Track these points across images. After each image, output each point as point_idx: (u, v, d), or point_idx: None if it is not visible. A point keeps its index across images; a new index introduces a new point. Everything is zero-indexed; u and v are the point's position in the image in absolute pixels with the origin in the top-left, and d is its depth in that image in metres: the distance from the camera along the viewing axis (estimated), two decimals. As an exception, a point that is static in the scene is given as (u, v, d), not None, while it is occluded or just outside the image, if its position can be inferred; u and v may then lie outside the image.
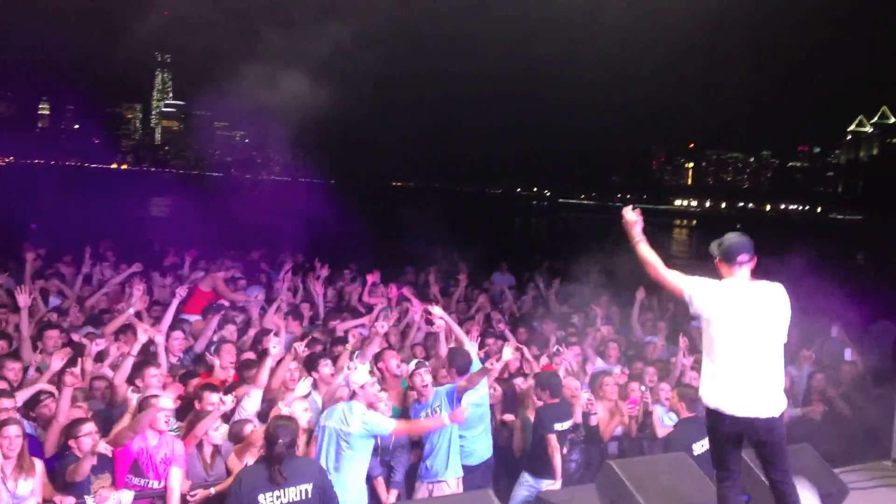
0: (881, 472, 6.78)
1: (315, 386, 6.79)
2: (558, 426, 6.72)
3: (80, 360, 6.01)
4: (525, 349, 8.37)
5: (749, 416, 4.52)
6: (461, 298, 12.12)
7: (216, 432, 5.73)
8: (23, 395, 5.94)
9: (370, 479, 6.40)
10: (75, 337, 7.42)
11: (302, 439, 5.69)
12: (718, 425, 4.63)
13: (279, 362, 6.64)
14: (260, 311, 9.45)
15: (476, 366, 6.76)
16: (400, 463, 6.57)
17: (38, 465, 5.17)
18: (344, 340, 8.13)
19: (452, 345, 7.75)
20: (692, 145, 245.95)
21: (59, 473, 5.28)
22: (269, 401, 6.47)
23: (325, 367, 6.97)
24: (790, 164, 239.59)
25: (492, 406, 7.26)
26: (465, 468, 6.65)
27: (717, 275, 4.79)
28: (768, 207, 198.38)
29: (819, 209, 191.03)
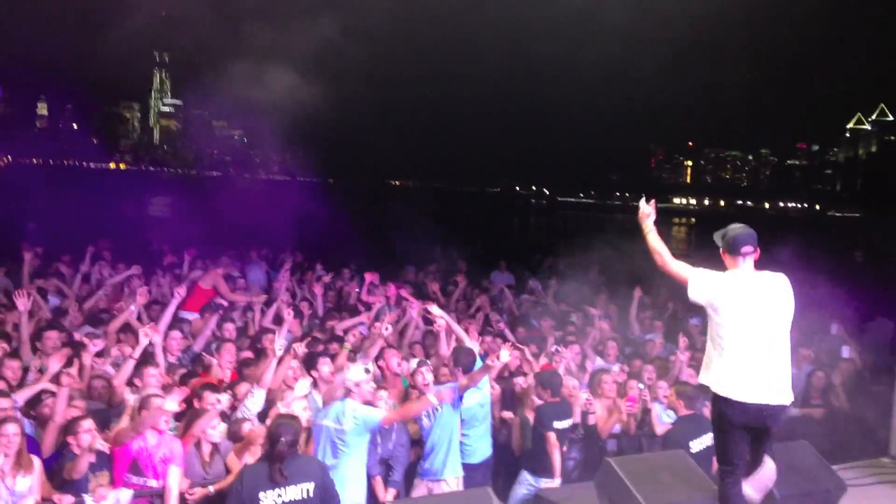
0: (879, 469, 6.79)
1: (315, 385, 6.80)
2: (558, 424, 6.73)
3: (75, 360, 6.01)
4: (526, 349, 8.38)
5: (759, 402, 4.57)
6: (460, 297, 12.14)
7: (214, 431, 5.73)
8: (24, 395, 5.94)
9: (368, 478, 6.41)
10: (77, 336, 7.42)
11: (301, 438, 5.69)
12: (727, 414, 4.65)
13: (280, 362, 6.65)
14: (260, 311, 9.47)
15: (478, 364, 6.77)
16: (399, 462, 6.57)
17: (37, 463, 5.17)
18: (342, 339, 8.13)
19: (453, 344, 7.77)
20: (691, 144, 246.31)
21: (58, 472, 5.28)
22: (268, 400, 6.48)
23: (325, 365, 6.98)
24: (789, 162, 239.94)
25: (490, 404, 7.26)
26: (466, 467, 6.66)
27: (718, 268, 4.82)
28: (767, 205, 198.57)
29: (817, 207, 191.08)
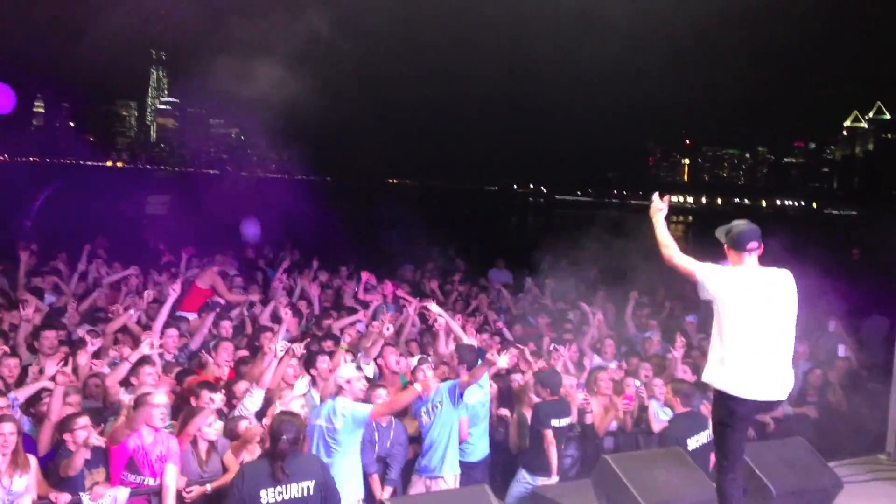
0: (875, 466, 6.81)
1: (314, 383, 6.80)
2: (555, 422, 6.73)
3: (70, 358, 6.00)
4: (525, 349, 8.39)
5: (769, 399, 4.65)
6: (457, 297, 12.15)
7: (210, 428, 5.72)
8: (25, 392, 5.94)
9: (365, 476, 6.41)
10: (80, 332, 7.41)
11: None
12: (738, 410, 4.67)
13: (279, 361, 6.65)
14: (258, 309, 9.47)
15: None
16: (396, 460, 6.56)
17: (33, 461, 5.17)
18: (338, 338, 8.12)
19: (451, 342, 7.79)
20: (688, 142, 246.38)
21: (54, 469, 5.28)
22: (266, 399, 6.48)
23: (324, 363, 6.98)
24: (786, 160, 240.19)
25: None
26: (465, 465, 6.67)
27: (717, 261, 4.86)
28: (764, 203, 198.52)
29: (814, 205, 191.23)
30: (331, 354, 7.32)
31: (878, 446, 7.18)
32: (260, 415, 6.21)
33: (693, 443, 6.62)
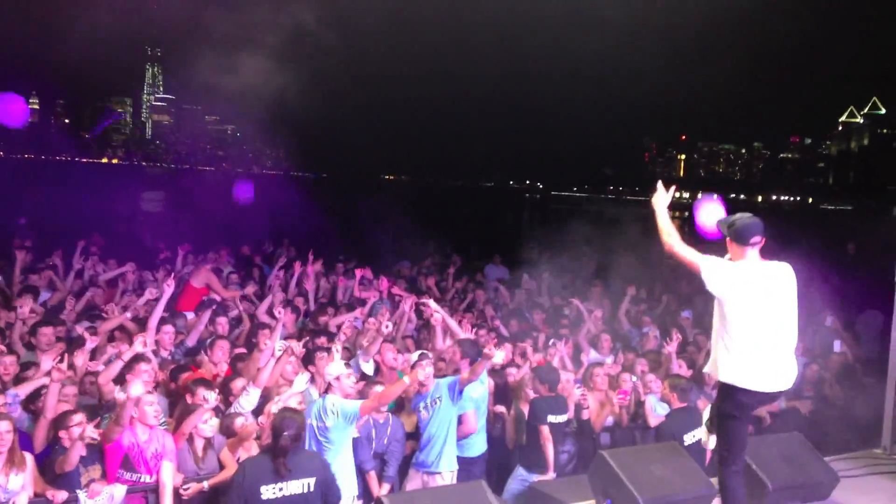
0: (871, 461, 6.81)
1: (312, 380, 6.79)
2: (552, 418, 6.73)
3: (66, 355, 5.98)
4: (527, 345, 8.39)
5: (776, 389, 4.70)
6: (456, 293, 12.15)
7: (206, 425, 5.71)
8: (26, 389, 5.92)
9: (362, 473, 6.41)
10: (78, 329, 7.39)
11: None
12: (745, 402, 4.72)
13: (278, 360, 6.63)
14: (249, 304, 9.45)
15: None
16: (393, 457, 6.56)
17: (29, 459, 5.16)
18: (334, 335, 8.09)
19: (448, 339, 7.79)
20: (684, 137, 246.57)
21: (49, 466, 5.27)
22: (263, 396, 6.47)
23: (322, 360, 6.96)
24: (781, 155, 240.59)
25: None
26: (463, 460, 6.66)
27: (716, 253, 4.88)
28: (760, 199, 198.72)
29: (810, 200, 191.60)
30: (328, 351, 7.30)
31: (873, 440, 7.19)
32: (257, 412, 6.20)
33: (690, 438, 6.63)
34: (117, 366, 6.29)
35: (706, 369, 5.01)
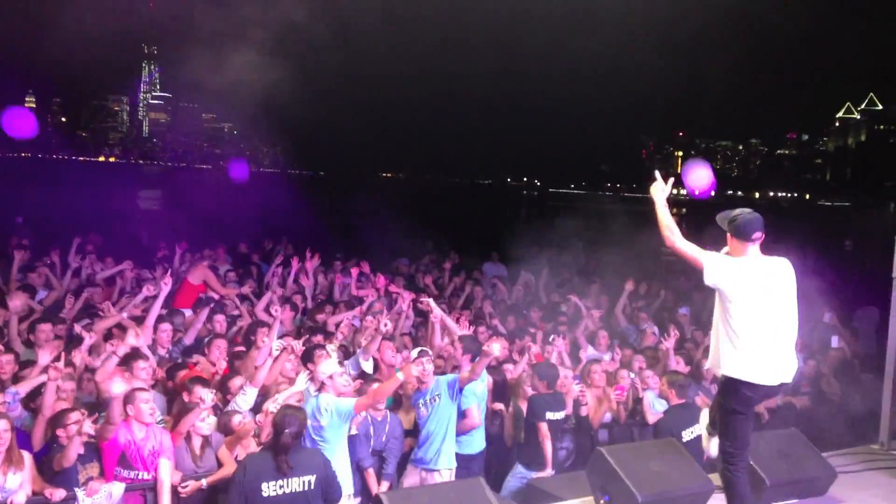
0: (869, 456, 6.82)
1: (312, 378, 6.77)
2: (550, 415, 6.73)
3: (63, 354, 5.98)
4: (529, 341, 8.38)
5: (780, 382, 4.74)
6: (454, 289, 12.14)
7: (203, 423, 5.70)
8: (26, 387, 5.91)
9: (361, 470, 6.41)
10: (76, 328, 7.38)
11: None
12: (751, 397, 4.74)
13: (277, 359, 6.62)
14: (250, 306, 9.44)
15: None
16: (392, 454, 6.55)
17: (27, 458, 5.15)
18: (331, 334, 8.09)
19: (445, 337, 7.79)
20: (681, 134, 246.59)
21: (47, 463, 5.26)
22: (262, 394, 6.47)
23: (321, 358, 6.95)
24: (779, 151, 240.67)
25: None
26: (462, 457, 6.66)
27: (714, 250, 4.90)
28: (757, 195, 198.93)
29: (807, 196, 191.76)
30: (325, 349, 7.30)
31: (871, 436, 7.21)
32: (255, 410, 6.19)
33: (688, 434, 6.64)
34: (113, 362, 6.28)
35: (708, 364, 5.02)
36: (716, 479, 5.75)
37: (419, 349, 6.74)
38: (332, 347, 7.15)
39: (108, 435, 5.29)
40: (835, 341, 9.86)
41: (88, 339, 6.66)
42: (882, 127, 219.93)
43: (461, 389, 6.50)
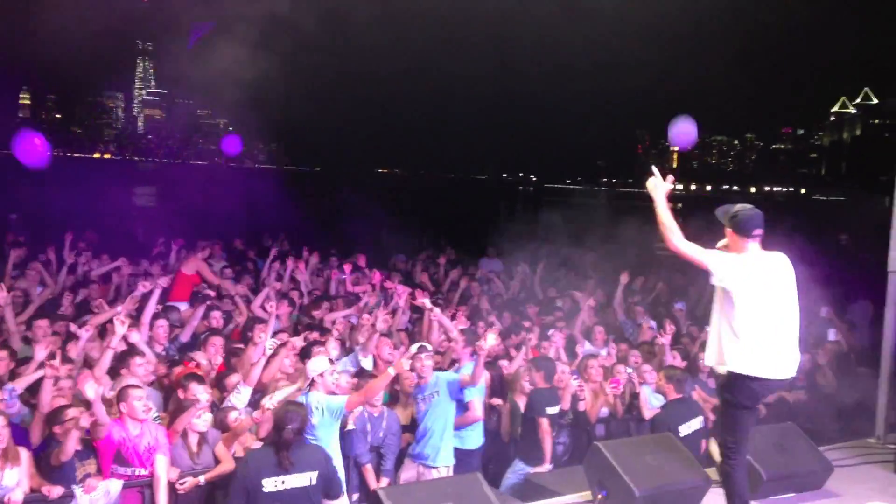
0: (865, 450, 6.85)
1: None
2: (550, 410, 6.74)
3: (58, 350, 5.97)
4: (524, 334, 8.38)
5: (785, 377, 4.80)
6: (450, 285, 12.14)
7: (199, 420, 5.68)
8: (23, 384, 5.90)
9: (359, 467, 6.41)
10: (72, 327, 7.36)
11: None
12: (757, 390, 4.78)
13: (274, 356, 6.61)
14: (246, 301, 9.43)
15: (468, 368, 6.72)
16: (390, 450, 6.56)
17: (24, 454, 5.14)
18: (328, 330, 8.08)
19: (441, 333, 7.79)
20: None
21: (45, 459, 5.25)
22: (260, 390, 6.46)
23: (319, 354, 6.94)
24: (774, 146, 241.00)
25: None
26: (461, 452, 6.67)
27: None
28: (753, 189, 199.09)
29: (803, 190, 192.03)
30: (323, 345, 7.28)
31: (867, 430, 7.23)
32: (254, 406, 6.17)
33: (685, 429, 6.66)
34: (108, 356, 6.27)
35: (707, 362, 5.02)
36: (713, 473, 5.78)
37: (418, 345, 6.73)
38: (332, 345, 7.15)
39: (101, 434, 5.28)
40: (831, 334, 9.88)
41: (85, 336, 6.65)
42: (877, 121, 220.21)
43: (461, 389, 6.50)
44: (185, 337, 7.92)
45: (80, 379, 5.50)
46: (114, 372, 6.31)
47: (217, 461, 5.69)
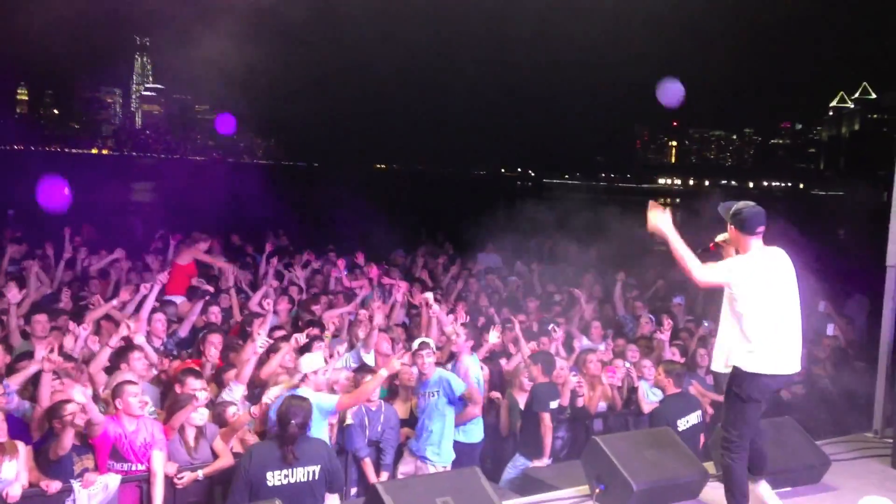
0: (863, 444, 6.86)
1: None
2: (551, 405, 6.75)
3: (55, 345, 5.96)
4: (518, 330, 8.38)
5: (793, 371, 4.84)
6: (452, 280, 12.14)
7: (196, 414, 5.67)
8: (17, 379, 5.88)
9: (358, 461, 6.42)
10: (70, 326, 7.35)
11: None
12: (768, 385, 4.80)
13: (276, 351, 6.59)
14: (242, 297, 9.42)
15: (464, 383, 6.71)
16: (389, 444, 6.56)
17: (22, 447, 5.14)
18: (323, 325, 8.06)
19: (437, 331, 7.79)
20: (675, 124, 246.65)
21: (43, 454, 5.25)
22: (259, 386, 6.45)
23: (319, 351, 6.94)
24: (772, 141, 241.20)
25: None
26: (463, 446, 6.68)
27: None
28: (751, 184, 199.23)
29: (801, 185, 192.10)
30: (321, 340, 7.28)
31: (864, 424, 7.24)
32: (254, 400, 6.16)
33: (683, 423, 6.65)
34: (105, 353, 6.27)
35: (715, 368, 5.03)
36: (711, 467, 5.79)
37: (420, 341, 6.70)
38: (337, 342, 7.14)
39: (96, 432, 5.28)
40: (830, 329, 9.89)
41: (83, 332, 6.64)
42: (875, 116, 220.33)
43: (461, 399, 6.52)
44: (183, 332, 7.91)
45: (66, 386, 5.51)
46: (113, 367, 6.31)
47: (215, 456, 5.69)
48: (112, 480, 5.18)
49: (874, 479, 6.11)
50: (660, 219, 4.68)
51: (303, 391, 5.79)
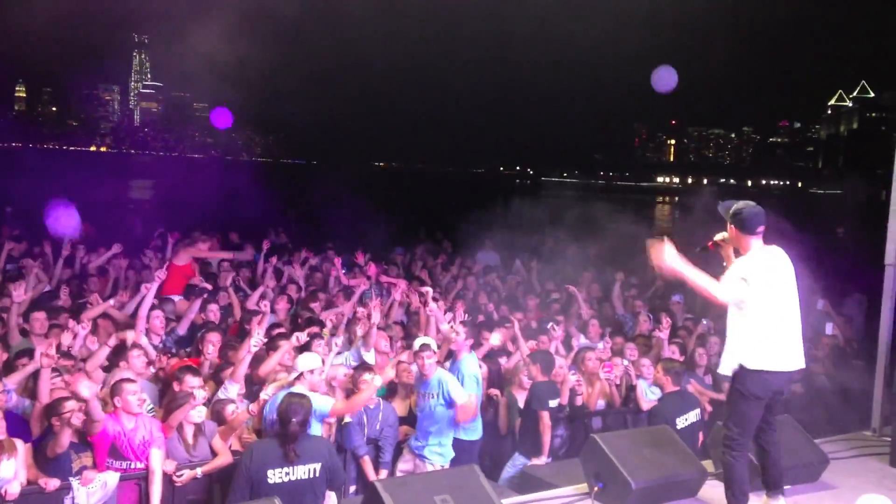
0: (861, 442, 6.86)
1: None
2: (551, 403, 6.75)
3: (54, 342, 5.95)
4: (516, 328, 8.39)
5: (797, 368, 4.88)
6: (452, 279, 12.14)
7: (194, 412, 5.66)
8: (15, 378, 5.88)
9: (356, 459, 6.42)
10: (71, 324, 7.34)
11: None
12: (769, 383, 4.81)
13: (276, 350, 6.59)
14: (241, 295, 9.42)
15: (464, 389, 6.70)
16: (388, 442, 6.55)
17: (20, 445, 5.13)
18: (321, 323, 8.06)
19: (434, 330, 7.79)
20: (674, 122, 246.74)
21: (42, 451, 5.24)
22: (258, 384, 6.45)
23: (319, 348, 6.94)
24: (771, 139, 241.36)
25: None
26: (462, 442, 6.66)
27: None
28: (750, 183, 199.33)
29: (800, 184, 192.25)
30: (321, 338, 7.28)
31: (863, 422, 7.25)
32: (252, 398, 6.15)
33: (682, 422, 6.66)
34: (103, 352, 6.26)
35: (722, 371, 5.02)
36: (709, 465, 5.80)
37: (421, 343, 6.66)
38: (338, 340, 7.14)
39: (95, 430, 5.28)
40: (829, 328, 9.89)
41: (82, 331, 6.63)
42: (874, 114, 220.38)
43: (455, 415, 6.52)
44: (181, 330, 7.91)
45: (74, 379, 5.49)
46: (112, 364, 6.30)
47: (214, 454, 5.69)
48: (111, 478, 5.18)
49: (872, 478, 6.11)
50: (666, 256, 4.63)
51: (297, 390, 5.79)
